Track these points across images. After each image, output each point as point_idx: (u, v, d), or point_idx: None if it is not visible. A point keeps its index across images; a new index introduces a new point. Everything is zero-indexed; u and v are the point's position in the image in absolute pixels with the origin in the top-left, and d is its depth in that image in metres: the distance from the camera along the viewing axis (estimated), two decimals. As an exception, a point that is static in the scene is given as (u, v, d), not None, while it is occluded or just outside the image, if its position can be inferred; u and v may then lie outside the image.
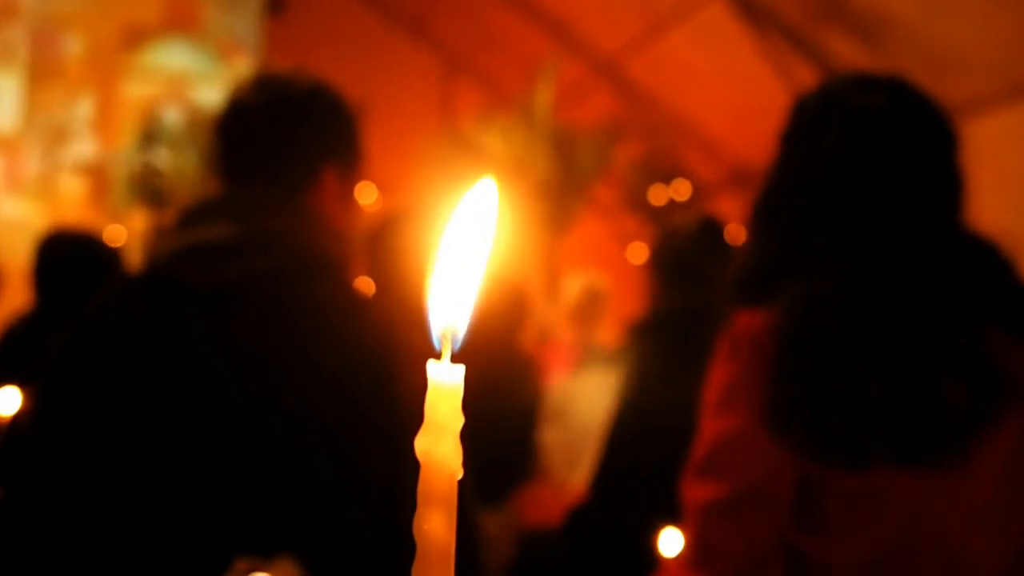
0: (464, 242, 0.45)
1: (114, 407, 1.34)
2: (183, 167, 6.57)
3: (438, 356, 0.43)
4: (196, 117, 6.67)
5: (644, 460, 2.19)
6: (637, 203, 7.02)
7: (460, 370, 0.43)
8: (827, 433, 1.26)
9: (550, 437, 3.08)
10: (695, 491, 1.33)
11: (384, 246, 2.32)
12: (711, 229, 2.37)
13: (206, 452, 1.31)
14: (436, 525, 0.44)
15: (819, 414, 1.26)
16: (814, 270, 1.33)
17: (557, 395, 3.18)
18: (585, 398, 3.12)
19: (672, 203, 6.71)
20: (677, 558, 1.46)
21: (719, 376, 1.35)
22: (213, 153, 1.53)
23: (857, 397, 1.25)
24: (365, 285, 1.96)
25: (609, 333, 3.80)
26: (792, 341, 1.29)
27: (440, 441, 0.43)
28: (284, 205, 1.43)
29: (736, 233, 2.35)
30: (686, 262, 2.33)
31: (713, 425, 1.34)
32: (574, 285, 3.86)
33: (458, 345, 0.43)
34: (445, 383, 0.43)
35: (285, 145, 1.48)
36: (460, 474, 0.43)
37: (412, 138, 6.21)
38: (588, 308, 3.78)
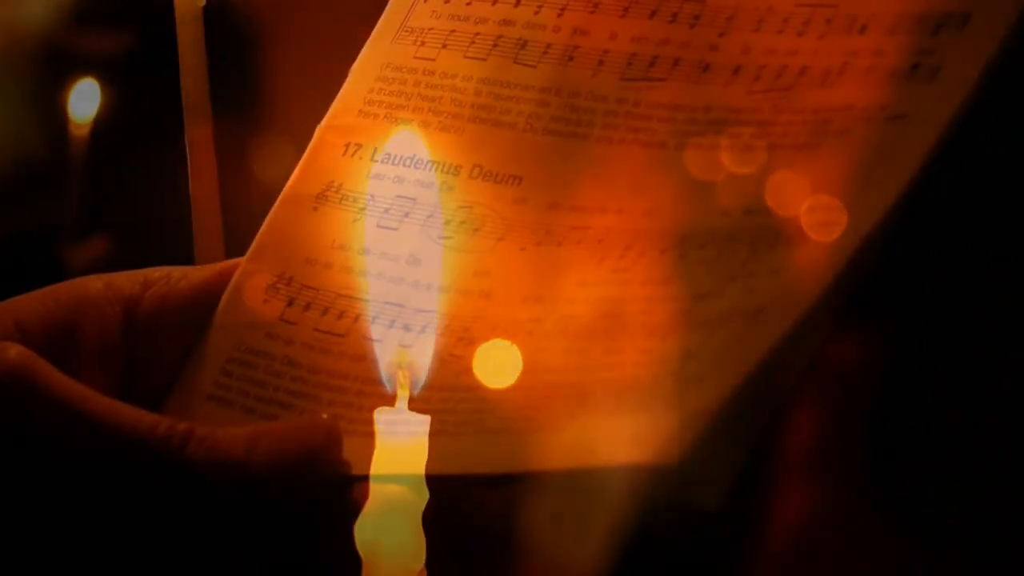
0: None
1: None
2: (-5, 115, 6.57)
3: (391, 400, 0.43)
4: (14, 41, 6.68)
5: (685, 542, 2.20)
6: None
7: (424, 421, 0.42)
8: (959, 513, 1.27)
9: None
10: (772, 594, 1.34)
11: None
12: None
13: None
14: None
15: (948, 485, 1.27)
16: (942, 275, 1.34)
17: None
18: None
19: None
20: None
21: (805, 429, 1.36)
22: (40, 95, 1.53)
23: (1004, 460, 1.26)
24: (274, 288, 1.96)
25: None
26: (905, 378, 1.30)
27: (392, 529, 0.42)
28: (147, 173, 1.44)
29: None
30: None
31: (798, 499, 1.34)
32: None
33: (419, 384, 0.43)
34: (400, 439, 0.42)
35: (147, 83, 1.48)
36: (423, 577, 0.43)
37: (345, 68, 6.23)
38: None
